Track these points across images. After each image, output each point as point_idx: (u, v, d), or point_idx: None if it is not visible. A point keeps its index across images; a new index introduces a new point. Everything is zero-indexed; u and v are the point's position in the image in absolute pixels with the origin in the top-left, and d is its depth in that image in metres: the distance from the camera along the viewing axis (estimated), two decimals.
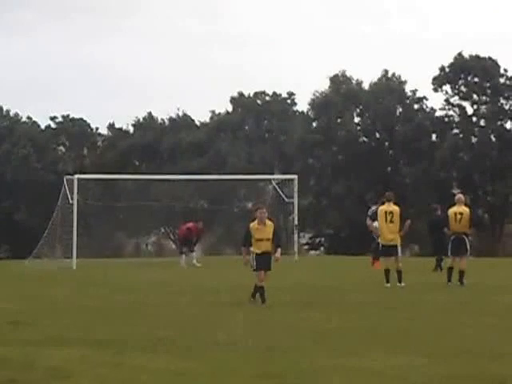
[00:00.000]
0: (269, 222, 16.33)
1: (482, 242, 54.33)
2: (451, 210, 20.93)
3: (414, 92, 68.74)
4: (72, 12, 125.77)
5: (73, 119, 78.11)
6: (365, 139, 70.09)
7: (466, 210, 20.81)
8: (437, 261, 27.30)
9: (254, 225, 16.32)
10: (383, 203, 21.10)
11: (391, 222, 20.60)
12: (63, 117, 78.17)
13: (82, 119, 78.05)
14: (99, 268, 31.60)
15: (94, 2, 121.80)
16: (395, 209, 20.84)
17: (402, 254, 21.95)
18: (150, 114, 77.31)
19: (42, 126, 78.04)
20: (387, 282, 20.47)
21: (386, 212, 20.74)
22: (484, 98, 65.41)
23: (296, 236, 37.89)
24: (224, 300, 17.19)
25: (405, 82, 69.13)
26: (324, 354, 10.06)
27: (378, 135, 69.78)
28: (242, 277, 24.21)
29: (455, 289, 19.83)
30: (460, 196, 21.76)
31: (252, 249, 16.27)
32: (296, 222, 38.31)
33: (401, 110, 68.76)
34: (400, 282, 20.54)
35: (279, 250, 16.49)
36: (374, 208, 26.23)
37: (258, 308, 15.70)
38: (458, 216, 20.66)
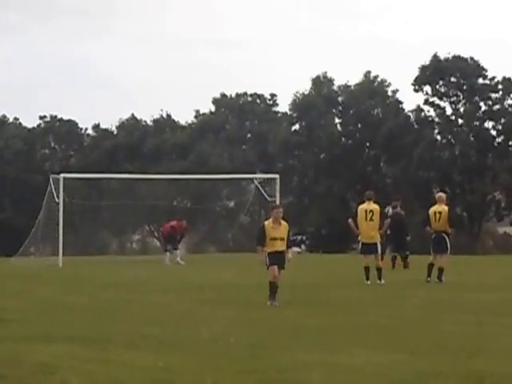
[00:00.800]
0: (283, 222, 16.07)
1: (460, 239, 54.64)
2: (431, 209, 21.22)
3: (394, 92, 69.06)
4: (59, 13, 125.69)
5: (61, 120, 78.01)
6: (346, 140, 70.31)
7: (444, 208, 21.11)
8: (398, 258, 27.54)
9: (269, 223, 16.04)
10: (364, 202, 21.40)
11: (371, 220, 20.86)
12: (51, 117, 78.06)
13: (70, 120, 78.05)
14: (85, 266, 31.63)
15: (81, 4, 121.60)
16: (375, 207, 21.11)
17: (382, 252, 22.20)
18: (133, 115, 77.41)
19: (29, 127, 78.02)
20: (367, 279, 20.72)
21: (366, 211, 20.99)
22: (463, 97, 65.77)
23: None
24: (208, 297, 17.30)
25: (386, 83, 69.39)
26: (305, 350, 10.13)
27: (358, 135, 70.00)
28: (226, 274, 24.48)
29: (434, 286, 20.06)
30: (440, 195, 22.06)
31: (265, 248, 15.99)
32: None
33: (381, 110, 69.05)
34: (380, 279, 20.84)
35: (290, 250, 16.24)
36: (388, 209, 26.83)
37: (241, 305, 15.81)
38: (437, 215, 20.96)
